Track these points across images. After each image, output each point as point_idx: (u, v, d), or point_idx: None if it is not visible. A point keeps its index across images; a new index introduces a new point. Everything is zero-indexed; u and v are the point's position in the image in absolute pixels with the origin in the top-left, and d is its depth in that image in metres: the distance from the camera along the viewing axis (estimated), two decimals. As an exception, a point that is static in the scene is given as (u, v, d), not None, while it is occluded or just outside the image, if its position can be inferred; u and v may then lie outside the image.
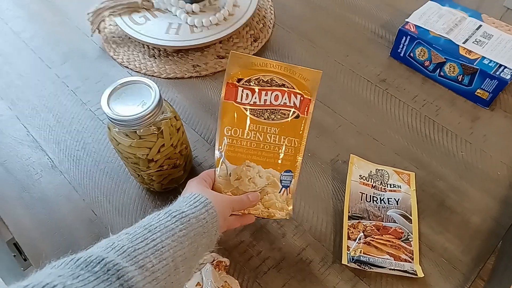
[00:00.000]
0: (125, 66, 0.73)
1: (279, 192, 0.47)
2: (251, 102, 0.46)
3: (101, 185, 0.58)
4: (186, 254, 0.35)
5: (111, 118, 0.44)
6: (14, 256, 0.73)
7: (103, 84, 0.70)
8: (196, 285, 0.42)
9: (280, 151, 0.47)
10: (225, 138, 0.46)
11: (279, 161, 0.47)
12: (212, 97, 0.68)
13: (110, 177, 0.58)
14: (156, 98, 0.45)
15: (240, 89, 0.47)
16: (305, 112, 0.48)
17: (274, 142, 0.47)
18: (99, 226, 0.54)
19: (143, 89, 0.46)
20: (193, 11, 0.75)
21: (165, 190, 0.56)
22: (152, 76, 0.71)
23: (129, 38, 0.75)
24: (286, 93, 0.47)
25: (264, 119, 0.47)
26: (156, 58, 0.73)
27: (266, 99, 0.47)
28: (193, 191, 0.42)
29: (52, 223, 0.54)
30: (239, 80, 0.47)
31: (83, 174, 0.59)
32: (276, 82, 0.47)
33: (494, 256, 0.51)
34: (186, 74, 0.71)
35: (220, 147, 0.46)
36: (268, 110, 0.47)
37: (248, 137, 0.46)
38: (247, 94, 0.47)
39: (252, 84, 0.47)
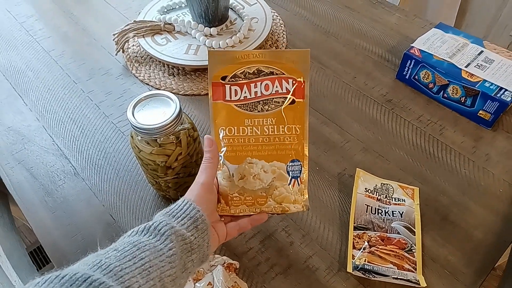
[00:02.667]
0: (146, 83, 0.78)
1: (289, 184, 0.45)
2: (241, 98, 0.45)
3: (120, 192, 0.61)
4: (176, 273, 0.35)
5: (135, 126, 0.48)
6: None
7: (125, 99, 0.75)
8: (207, 285, 0.44)
9: (281, 141, 0.45)
10: (221, 139, 0.45)
11: (283, 152, 0.45)
12: (226, 113, 0.72)
13: (129, 184, 0.62)
14: (176, 110, 0.49)
15: (227, 86, 0.45)
16: (301, 96, 0.46)
17: (273, 134, 0.45)
18: (116, 229, 0.57)
19: (164, 102, 0.51)
20: (211, 34, 0.80)
21: (179, 198, 0.59)
22: (171, 92, 0.75)
23: (151, 57, 0.81)
24: (276, 80, 0.45)
25: (258, 111, 0.45)
26: (175, 76, 0.78)
27: (257, 91, 0.45)
28: (186, 196, 0.41)
29: (73, 226, 0.58)
30: (224, 78, 0.45)
31: (104, 181, 0.63)
32: (264, 71, 0.45)
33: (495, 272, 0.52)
34: (202, 91, 0.76)
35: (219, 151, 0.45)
36: (261, 102, 0.45)
37: (244, 134, 0.45)
38: (235, 90, 0.45)
39: (238, 79, 0.45)
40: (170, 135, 0.50)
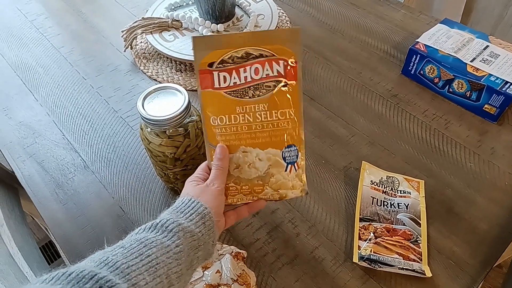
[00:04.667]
0: (154, 79, 0.79)
1: (285, 170, 0.43)
2: (231, 84, 0.43)
3: (129, 184, 0.62)
4: (182, 270, 0.35)
5: (144, 118, 0.49)
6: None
7: (133, 94, 0.76)
8: (216, 273, 0.45)
9: (274, 127, 0.43)
10: (213, 129, 0.43)
11: (277, 138, 0.43)
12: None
13: (138, 177, 0.63)
14: (185, 102, 0.50)
15: (215, 73, 0.43)
16: (293, 78, 0.43)
17: (266, 120, 0.43)
18: (126, 221, 0.58)
19: (173, 94, 0.52)
20: (218, 31, 0.81)
21: (187, 190, 0.60)
22: (178, 88, 0.77)
23: (159, 54, 0.82)
24: (266, 62, 0.42)
25: (249, 97, 0.43)
26: (182, 72, 0.79)
27: (246, 76, 0.42)
28: (190, 194, 0.41)
29: (83, 218, 0.59)
30: (211, 65, 0.43)
31: (113, 174, 0.64)
32: (252, 54, 0.43)
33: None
34: (209, 87, 0.77)
35: (211, 140, 0.44)
36: (251, 87, 0.43)
37: (237, 122, 0.43)
38: (224, 76, 0.43)
39: (226, 64, 0.42)
40: (179, 127, 0.51)
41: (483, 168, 0.62)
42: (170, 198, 0.60)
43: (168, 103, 0.50)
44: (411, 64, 0.74)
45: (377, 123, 0.69)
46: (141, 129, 0.53)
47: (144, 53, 0.84)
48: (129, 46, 0.83)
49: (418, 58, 0.72)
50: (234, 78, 0.42)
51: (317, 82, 0.77)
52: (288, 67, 0.43)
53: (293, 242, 0.55)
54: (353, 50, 0.83)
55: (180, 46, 0.79)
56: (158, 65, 0.81)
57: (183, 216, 0.38)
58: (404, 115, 0.70)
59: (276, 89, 0.43)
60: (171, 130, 0.51)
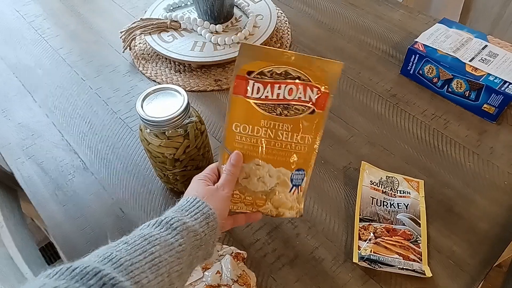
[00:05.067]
0: (153, 80, 0.79)
1: (290, 191, 0.45)
2: (263, 97, 0.43)
3: (129, 185, 0.62)
4: (183, 269, 0.35)
5: (144, 119, 0.49)
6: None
7: (132, 95, 0.76)
8: (216, 273, 0.45)
9: (292, 149, 0.44)
10: (233, 135, 0.44)
11: (291, 160, 0.44)
12: (232, 108, 0.73)
13: (137, 178, 0.63)
14: (184, 103, 0.50)
15: (250, 82, 0.43)
16: (322, 107, 0.44)
17: (286, 140, 0.44)
18: (125, 222, 0.58)
19: (172, 95, 0.52)
20: (216, 31, 0.81)
21: (187, 191, 0.60)
22: (177, 89, 0.77)
23: (157, 54, 0.82)
24: (301, 86, 0.43)
25: (276, 114, 0.43)
26: (181, 73, 0.79)
27: (279, 93, 0.43)
28: (195, 194, 0.41)
29: (83, 219, 0.59)
30: (249, 73, 0.43)
31: (112, 175, 0.64)
32: (291, 74, 0.43)
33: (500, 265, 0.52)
34: (208, 88, 0.77)
35: (228, 145, 0.44)
36: (281, 105, 0.43)
37: (258, 134, 0.43)
38: (258, 87, 0.43)
39: (264, 77, 0.43)
40: (178, 128, 0.51)
41: (482, 167, 0.62)
42: (169, 199, 0.60)
43: (167, 104, 0.50)
44: (410, 64, 0.74)
45: (377, 123, 0.69)
46: (141, 130, 0.53)
47: (143, 54, 0.84)
48: (128, 47, 0.83)
49: (417, 58, 0.72)
50: (267, 92, 0.43)
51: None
52: (320, 96, 0.44)
53: (293, 242, 0.55)
54: (352, 50, 0.83)
55: (179, 47, 0.79)
56: (157, 66, 0.81)
57: (188, 215, 0.38)
58: (403, 115, 0.70)
59: (303, 114, 0.44)
60: (170, 131, 0.51)
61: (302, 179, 0.46)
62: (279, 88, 0.43)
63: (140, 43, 0.86)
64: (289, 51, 0.44)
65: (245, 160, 0.44)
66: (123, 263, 0.31)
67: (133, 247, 0.33)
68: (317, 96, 0.44)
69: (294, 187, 0.45)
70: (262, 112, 0.43)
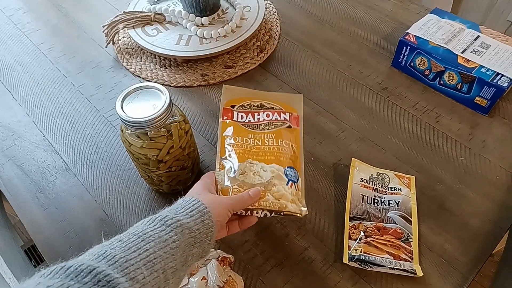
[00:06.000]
0: (137, 76, 0.77)
1: (287, 184, 0.48)
2: (246, 121, 0.53)
3: (113, 187, 0.60)
4: (177, 265, 0.35)
5: (124, 120, 0.47)
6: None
7: (116, 92, 0.74)
8: (202, 279, 0.44)
9: (279, 151, 0.50)
10: (226, 146, 0.51)
11: (281, 158, 0.49)
12: (219, 104, 0.71)
13: (121, 179, 0.61)
14: (166, 102, 0.48)
15: (235, 112, 0.54)
16: (296, 125, 0.54)
17: (272, 144, 0.51)
18: (110, 225, 0.56)
19: (154, 94, 0.49)
20: (202, 24, 0.78)
21: (173, 192, 0.58)
22: (163, 84, 0.74)
23: (142, 49, 0.79)
24: (276, 112, 0.54)
25: (260, 130, 0.53)
26: (166, 68, 0.77)
27: (259, 118, 0.54)
28: (193, 195, 0.42)
29: (66, 222, 0.57)
30: (233, 106, 0.55)
31: (96, 176, 0.62)
32: (265, 105, 0.55)
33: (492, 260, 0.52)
34: (195, 83, 0.74)
35: (222, 155, 0.50)
36: (263, 124, 0.53)
37: (247, 143, 0.51)
38: (241, 115, 0.54)
39: (244, 108, 0.55)
40: (160, 128, 0.49)
41: (474, 162, 0.61)
42: (155, 200, 0.58)
43: (148, 103, 0.48)
44: (401, 56, 0.72)
45: (367, 117, 0.68)
46: (122, 131, 0.51)
47: (126, 48, 0.81)
48: (111, 42, 0.80)
49: (408, 49, 0.71)
50: (249, 117, 0.54)
51: (306, 76, 0.75)
52: (292, 116, 0.55)
53: (282, 243, 0.53)
54: (343, 42, 0.81)
55: (163, 41, 0.76)
56: (141, 61, 0.78)
57: (182, 212, 0.39)
58: (395, 108, 0.69)
59: (283, 126, 0.53)
60: (152, 132, 0.49)
61: (296, 178, 0.49)
62: (258, 114, 0.54)
63: (124, 37, 0.83)
64: (260, 92, 0.58)
65: (239, 160, 0.49)
66: (118, 260, 0.31)
67: (127, 245, 0.33)
68: (290, 116, 0.55)
69: (290, 182, 0.48)
70: (248, 129, 0.52)
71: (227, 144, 0.51)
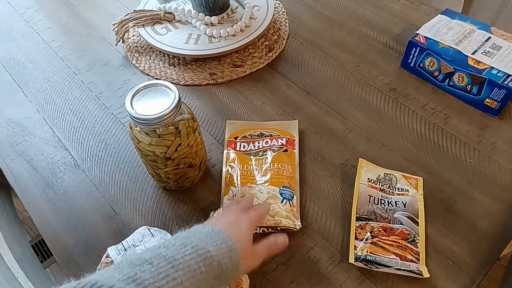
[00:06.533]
0: (146, 74, 0.77)
1: (281, 202, 0.54)
2: (247, 149, 0.61)
3: (121, 184, 0.61)
4: None
5: (133, 117, 0.47)
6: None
7: (125, 90, 0.74)
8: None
9: (275, 173, 0.57)
10: (230, 173, 0.58)
11: (277, 180, 0.56)
12: (227, 103, 0.71)
13: (129, 176, 0.62)
14: (175, 100, 0.48)
15: (238, 143, 0.62)
16: (292, 148, 0.61)
17: (269, 168, 0.58)
18: (117, 221, 0.57)
19: (163, 92, 0.50)
20: (211, 23, 0.79)
21: (180, 189, 0.59)
22: (171, 83, 0.74)
23: (151, 47, 0.80)
24: (274, 139, 0.62)
25: (259, 156, 0.60)
26: (175, 67, 0.77)
27: (259, 145, 0.61)
28: (222, 226, 0.41)
29: (74, 218, 0.58)
30: (236, 137, 0.63)
31: (104, 173, 0.62)
32: (264, 134, 0.63)
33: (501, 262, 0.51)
34: (203, 82, 0.75)
35: (229, 183, 0.58)
36: (261, 150, 0.60)
37: (248, 169, 0.58)
38: (243, 145, 0.62)
39: (246, 138, 0.63)
40: (169, 126, 0.49)
41: (483, 164, 0.60)
42: (162, 197, 0.59)
43: (157, 101, 0.49)
44: (411, 56, 0.72)
45: (375, 118, 0.68)
46: (131, 128, 0.51)
47: (136, 46, 0.82)
48: (121, 40, 0.81)
49: (417, 50, 0.70)
50: (250, 146, 0.61)
51: (314, 76, 0.75)
52: (289, 140, 0.62)
53: (288, 242, 0.53)
54: (351, 42, 0.81)
55: (173, 40, 0.77)
56: (150, 59, 0.79)
57: (212, 242, 0.38)
58: (403, 109, 0.68)
59: (279, 151, 0.60)
60: (161, 129, 0.49)
61: (291, 196, 0.55)
62: (258, 142, 0.62)
63: (133, 36, 0.84)
64: (259, 124, 0.66)
65: (241, 185, 0.57)
66: (147, 286, 0.32)
67: (157, 269, 0.33)
68: (286, 141, 0.62)
69: (285, 200, 0.54)
70: (249, 157, 0.60)
71: (232, 172, 0.58)
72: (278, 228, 0.52)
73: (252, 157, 0.60)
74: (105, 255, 0.47)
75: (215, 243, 0.38)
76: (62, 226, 0.57)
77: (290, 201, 0.54)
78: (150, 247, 0.38)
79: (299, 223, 0.53)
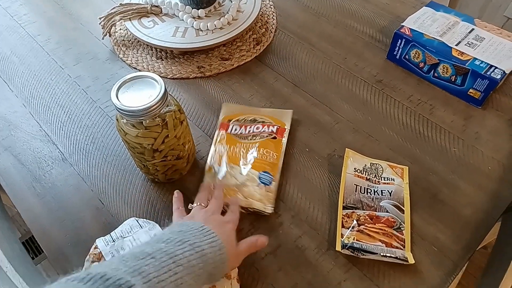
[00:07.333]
0: (134, 67, 0.77)
1: (257, 185, 0.55)
2: (238, 133, 0.62)
3: (109, 176, 0.61)
4: None
5: (119, 108, 0.47)
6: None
7: (112, 83, 0.72)
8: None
9: (259, 158, 0.58)
10: (218, 152, 0.60)
11: (258, 164, 0.57)
12: (215, 96, 0.72)
13: (117, 169, 0.62)
14: (161, 91, 0.48)
15: (230, 125, 0.63)
16: (281, 136, 0.62)
17: (254, 153, 0.59)
18: (106, 214, 0.57)
19: (149, 83, 0.50)
20: (199, 16, 0.79)
21: (169, 181, 0.59)
22: (159, 76, 0.75)
23: (138, 41, 0.80)
24: (265, 125, 0.62)
25: (248, 140, 0.61)
26: (163, 60, 0.77)
27: (250, 130, 0.62)
28: (213, 228, 0.43)
29: (62, 211, 0.58)
30: (229, 120, 0.64)
31: (92, 166, 0.62)
32: (257, 120, 0.64)
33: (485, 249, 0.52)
34: (191, 75, 0.75)
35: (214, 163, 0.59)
36: (251, 135, 0.62)
37: (235, 150, 0.60)
38: (235, 128, 0.63)
39: (239, 122, 0.64)
40: (156, 117, 0.49)
41: (467, 153, 0.62)
42: (151, 189, 0.59)
43: (143, 93, 0.49)
44: (396, 48, 0.73)
45: (362, 109, 0.68)
46: (117, 120, 0.51)
47: (123, 40, 0.81)
48: (108, 34, 0.80)
49: (403, 42, 0.71)
50: (241, 129, 0.63)
51: (302, 68, 0.76)
52: (279, 129, 0.63)
53: (276, 231, 0.54)
54: (338, 35, 0.82)
55: (160, 33, 0.76)
56: (138, 53, 0.79)
57: (205, 242, 0.41)
58: (389, 101, 0.69)
59: (268, 138, 0.61)
60: (147, 121, 0.49)
61: (270, 182, 0.56)
62: (250, 127, 0.63)
63: (120, 29, 0.83)
64: (255, 109, 0.66)
65: (225, 164, 0.58)
66: (152, 279, 0.34)
67: (160, 264, 0.35)
68: (277, 129, 0.62)
69: (262, 184, 0.56)
70: (237, 139, 0.61)
71: (219, 151, 0.60)
72: (250, 209, 0.54)
73: (241, 140, 0.61)
74: (93, 246, 0.47)
75: (207, 242, 0.40)
76: (50, 220, 0.57)
77: (267, 187, 0.55)
78: (148, 240, 0.41)
79: (272, 208, 0.54)
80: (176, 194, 0.53)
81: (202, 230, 0.42)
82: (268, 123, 0.63)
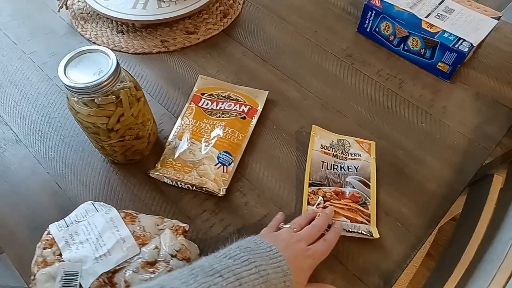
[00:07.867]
0: (93, 42, 0.72)
1: (215, 165, 0.54)
2: (209, 108, 0.60)
3: (66, 158, 0.58)
4: None
5: (67, 86, 0.44)
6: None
7: (70, 60, 0.70)
8: (154, 249, 0.43)
9: (222, 137, 0.56)
10: (183, 125, 0.58)
11: (220, 143, 0.56)
12: (180, 72, 0.68)
13: (75, 150, 0.59)
14: (113, 66, 0.45)
15: (203, 98, 0.62)
16: (251, 117, 0.60)
17: (220, 130, 0.57)
18: (63, 198, 0.54)
19: (100, 58, 0.47)
20: (161, -13, 0.74)
21: (129, 162, 0.57)
22: (120, 51, 0.71)
23: (97, 14, 0.75)
24: (238, 104, 0.61)
25: (217, 117, 0.59)
26: (124, 34, 0.73)
27: (222, 106, 0.60)
28: (287, 258, 0.41)
29: (17, 196, 0.55)
30: (202, 94, 0.62)
31: (48, 147, 0.59)
32: (232, 97, 0.62)
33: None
34: (154, 50, 0.71)
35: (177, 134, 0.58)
36: (221, 112, 0.60)
37: (200, 126, 0.58)
38: (207, 102, 0.61)
39: (212, 97, 0.62)
40: (108, 95, 0.46)
41: (434, 128, 0.61)
42: (111, 171, 0.56)
43: (94, 68, 0.45)
44: (367, 21, 0.71)
45: (331, 85, 0.67)
46: (67, 98, 0.48)
47: (82, 13, 0.76)
48: (64, 6, 0.75)
49: (373, 14, 0.69)
50: (213, 105, 0.61)
51: (271, 42, 0.73)
52: (251, 109, 0.61)
53: (241, 211, 0.53)
54: (309, 8, 0.79)
55: (119, 5, 0.72)
56: (97, 27, 0.74)
57: (271, 264, 0.39)
58: (359, 75, 0.68)
59: (237, 117, 0.59)
60: (100, 99, 0.46)
61: (229, 163, 0.55)
62: (222, 104, 0.61)
63: (78, 2, 0.78)
64: (232, 85, 0.64)
65: (188, 138, 0.57)
66: None
67: (227, 285, 0.35)
68: (248, 109, 0.60)
69: (220, 164, 0.54)
70: (206, 115, 0.60)
71: (184, 125, 0.58)
72: (203, 188, 0.53)
73: (209, 115, 0.59)
74: (46, 232, 0.45)
75: (273, 267, 0.39)
76: (4, 205, 0.54)
77: (225, 167, 0.54)
78: (216, 253, 0.40)
79: (225, 189, 0.53)
80: (278, 215, 0.50)
81: (269, 252, 0.40)
82: (241, 102, 0.61)
